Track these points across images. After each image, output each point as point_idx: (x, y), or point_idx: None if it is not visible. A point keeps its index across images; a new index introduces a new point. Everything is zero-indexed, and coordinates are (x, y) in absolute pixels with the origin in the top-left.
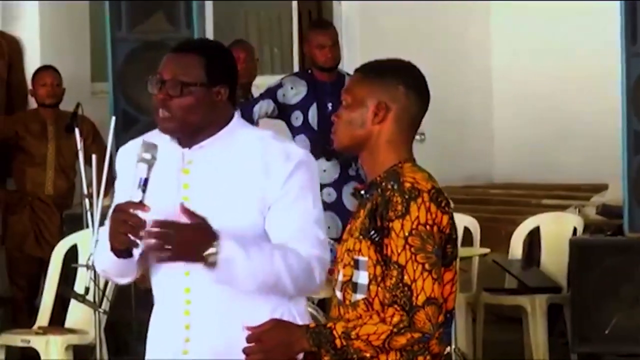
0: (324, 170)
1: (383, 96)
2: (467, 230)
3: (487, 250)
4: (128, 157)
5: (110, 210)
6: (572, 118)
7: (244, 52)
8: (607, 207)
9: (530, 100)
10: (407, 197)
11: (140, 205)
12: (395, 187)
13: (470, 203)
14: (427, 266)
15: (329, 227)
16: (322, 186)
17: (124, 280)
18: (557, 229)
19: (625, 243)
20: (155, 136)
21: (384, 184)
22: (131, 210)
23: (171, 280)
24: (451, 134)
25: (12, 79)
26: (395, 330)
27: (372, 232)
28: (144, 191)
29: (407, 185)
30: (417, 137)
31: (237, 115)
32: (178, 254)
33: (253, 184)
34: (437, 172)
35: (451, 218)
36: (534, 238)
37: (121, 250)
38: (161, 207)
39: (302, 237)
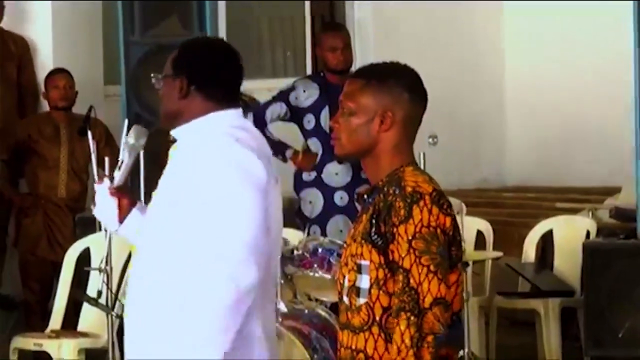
0: (336, 174)
1: (389, 104)
2: (480, 233)
3: (500, 253)
4: None
5: None
6: (584, 121)
7: None
8: (620, 210)
9: (543, 103)
10: (409, 201)
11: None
12: (397, 192)
13: (483, 206)
14: (432, 267)
15: (341, 231)
16: (335, 189)
17: None
18: (570, 232)
19: (639, 246)
20: None
21: (386, 188)
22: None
23: None
24: (464, 138)
25: (22, 80)
26: (415, 350)
27: (375, 236)
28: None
29: (409, 189)
30: (430, 140)
31: (213, 116)
32: None
33: (175, 188)
34: (450, 175)
35: (453, 220)
36: (547, 241)
37: None
38: None
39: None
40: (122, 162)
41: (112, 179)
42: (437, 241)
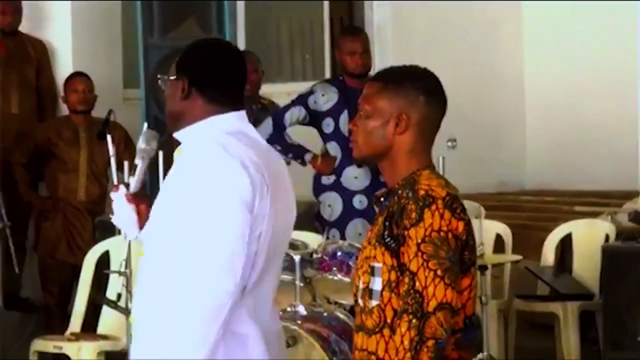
0: (355, 177)
1: (404, 106)
2: (499, 237)
3: (519, 257)
4: None
5: None
6: (604, 125)
7: None
8: (639, 214)
9: (562, 107)
10: (421, 204)
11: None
12: (410, 194)
13: (502, 210)
14: (439, 272)
15: (360, 234)
16: (354, 193)
17: None
18: (589, 236)
19: None
20: None
21: (400, 191)
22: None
23: None
24: (483, 141)
25: (41, 83)
26: (413, 353)
27: (388, 238)
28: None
29: (422, 192)
30: (449, 143)
31: (212, 119)
32: None
33: (170, 195)
34: (469, 178)
35: (467, 225)
36: (566, 245)
37: None
38: None
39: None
40: (136, 167)
41: (127, 185)
42: (447, 246)
